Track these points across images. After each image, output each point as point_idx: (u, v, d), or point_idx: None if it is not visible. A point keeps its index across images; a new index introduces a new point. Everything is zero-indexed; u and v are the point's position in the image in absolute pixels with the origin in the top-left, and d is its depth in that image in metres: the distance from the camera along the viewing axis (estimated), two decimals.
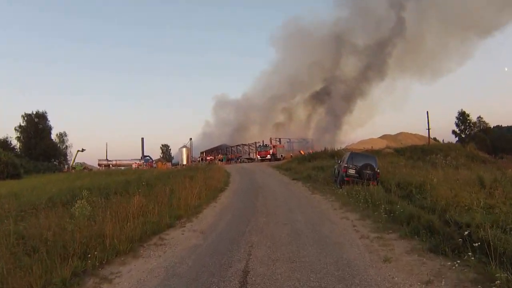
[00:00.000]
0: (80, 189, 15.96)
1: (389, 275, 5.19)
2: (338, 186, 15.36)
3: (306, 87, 70.26)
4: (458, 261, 5.39)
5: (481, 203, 8.81)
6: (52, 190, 15.83)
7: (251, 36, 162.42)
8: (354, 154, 15.99)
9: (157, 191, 13.33)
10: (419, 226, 7.31)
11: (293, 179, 21.16)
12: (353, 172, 15.27)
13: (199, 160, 54.77)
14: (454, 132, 61.14)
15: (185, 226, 9.59)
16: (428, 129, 45.68)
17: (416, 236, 6.98)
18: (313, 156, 31.87)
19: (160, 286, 5.35)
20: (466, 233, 5.89)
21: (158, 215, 10.02)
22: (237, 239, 7.68)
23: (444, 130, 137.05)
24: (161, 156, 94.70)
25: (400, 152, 35.50)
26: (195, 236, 8.43)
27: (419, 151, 34.53)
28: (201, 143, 75.68)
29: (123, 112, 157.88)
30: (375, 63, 59.75)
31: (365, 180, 14.55)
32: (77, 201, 9.83)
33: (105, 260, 6.55)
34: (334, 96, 64.39)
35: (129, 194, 12.78)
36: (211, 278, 5.41)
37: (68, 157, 71.01)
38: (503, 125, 71.08)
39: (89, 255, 6.44)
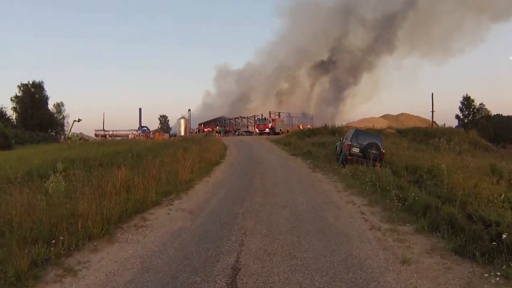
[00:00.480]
0: (65, 160, 15.03)
1: (410, 284, 4.20)
2: (341, 165, 14.36)
3: (311, 57, 68.08)
4: (491, 269, 4.41)
5: (502, 196, 7.79)
6: (35, 161, 14.73)
7: (256, 6, 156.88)
8: (359, 132, 14.83)
9: (146, 164, 12.31)
10: (438, 219, 6.31)
11: (292, 155, 20.16)
12: (357, 151, 14.21)
13: (196, 132, 53.56)
14: (457, 116, 59.74)
15: (172, 204, 8.61)
16: (432, 111, 44.35)
17: (435, 232, 5.98)
18: (313, 132, 30.78)
19: (131, 283, 4.36)
20: (504, 236, 4.86)
21: (143, 190, 9.00)
22: (229, 223, 6.70)
23: (443, 114, 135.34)
24: (159, 127, 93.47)
25: (402, 133, 34.41)
26: (182, 217, 7.45)
27: (422, 134, 33.41)
28: (202, 114, 74.31)
29: (122, 82, 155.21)
30: (384, 35, 57.49)
31: (369, 160, 13.57)
32: (51, 175, 8.69)
33: (74, 245, 5.55)
34: (339, 67, 62.56)
35: (116, 166, 11.79)
36: (193, 276, 4.43)
37: (65, 127, 69.71)
38: (503, 114, 69.88)
39: (54, 241, 5.44)
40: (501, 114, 67.98)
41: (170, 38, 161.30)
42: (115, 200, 7.84)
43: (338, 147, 17.22)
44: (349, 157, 14.10)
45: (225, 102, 78.39)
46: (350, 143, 14.29)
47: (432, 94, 44.77)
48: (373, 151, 13.96)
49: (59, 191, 8.00)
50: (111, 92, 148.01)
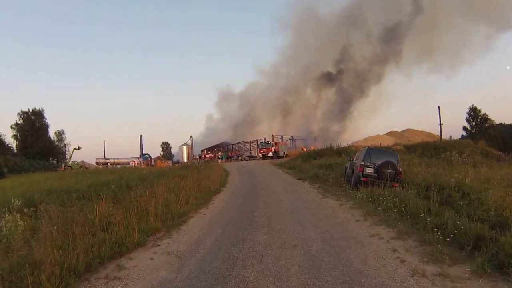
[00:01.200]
0: (48, 191, 13.59)
1: None
2: (354, 188, 12.80)
3: (315, 71, 67.38)
4: None
5: None
6: (10, 193, 13.24)
7: (253, 24, 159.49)
8: (372, 150, 13.33)
9: (134, 195, 10.79)
10: (501, 256, 4.73)
11: (298, 179, 18.59)
12: (371, 171, 12.66)
13: (196, 158, 52.24)
14: (465, 128, 58.19)
15: (159, 245, 7.04)
16: (440, 124, 42.84)
17: (501, 273, 4.39)
18: (319, 153, 29.25)
19: None
20: None
21: (126, 228, 7.45)
22: (225, 275, 5.09)
23: (448, 127, 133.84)
24: (161, 154, 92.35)
25: (410, 149, 32.85)
26: (168, 264, 5.87)
27: (431, 148, 31.83)
28: (205, 140, 73.64)
29: (125, 109, 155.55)
30: (389, 46, 56.94)
31: (386, 181, 12.03)
32: (6, 214, 7.19)
33: None
34: (344, 79, 61.65)
35: (102, 198, 10.29)
36: None
37: (66, 155, 68.78)
38: (506, 123, 68.24)
39: None
40: (504, 123, 66.49)
41: (169, 63, 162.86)
42: (88, 242, 6.35)
43: (348, 168, 15.67)
44: (362, 179, 12.53)
45: (229, 126, 77.75)
46: (363, 163, 12.76)
47: (439, 107, 43.35)
48: (389, 171, 12.40)
49: (16, 233, 6.48)
50: (113, 119, 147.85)
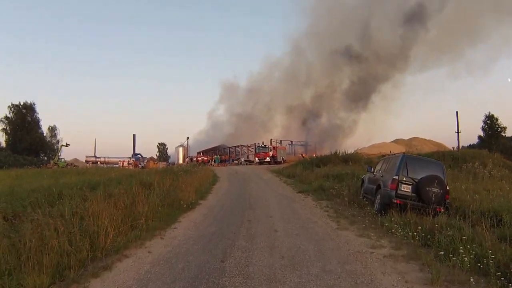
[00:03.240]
0: None
1: None
2: (379, 213, 8.70)
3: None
4: None
5: None
6: None
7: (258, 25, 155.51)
8: (410, 159, 9.07)
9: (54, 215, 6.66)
10: None
11: (300, 192, 14.42)
12: (409, 191, 8.52)
13: (187, 161, 48.17)
14: (480, 137, 53.71)
15: None
16: (458, 132, 38.32)
17: None
18: (322, 161, 25.02)
19: None
20: None
21: None
22: None
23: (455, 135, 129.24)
24: (157, 155, 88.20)
25: None
26: None
27: (449, 158, 27.57)
28: (206, 139, 69.53)
29: (122, 109, 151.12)
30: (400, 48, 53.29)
31: (430, 205, 7.97)
32: None
33: None
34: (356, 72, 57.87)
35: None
36: None
37: (59, 152, 64.75)
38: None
39: None
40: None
41: (168, 61, 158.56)
42: None
43: (366, 182, 11.53)
44: (395, 201, 8.38)
45: (231, 122, 73.65)
46: (396, 177, 8.59)
47: (457, 112, 38.82)
48: (435, 189, 8.28)
49: None
50: (109, 118, 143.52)
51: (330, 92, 61.48)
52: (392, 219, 7.78)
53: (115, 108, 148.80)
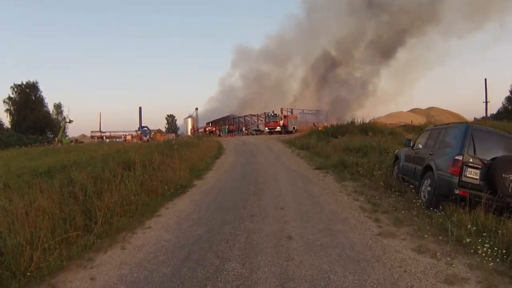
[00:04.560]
0: None
1: None
2: (429, 206, 6.25)
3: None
4: None
5: None
6: None
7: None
8: (476, 131, 6.40)
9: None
10: None
11: (317, 169, 11.98)
12: (477, 177, 5.96)
13: (192, 132, 45.86)
14: (505, 108, 49.58)
15: None
16: (486, 102, 34.53)
17: None
18: (338, 130, 22.32)
19: None
20: None
21: None
22: None
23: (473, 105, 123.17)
24: (166, 127, 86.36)
25: None
26: None
27: None
28: (216, 110, 66.89)
29: (129, 81, 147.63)
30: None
31: (503, 198, 5.49)
32: None
33: None
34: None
35: None
36: None
37: (66, 129, 63.60)
38: None
39: None
40: None
41: (175, 31, 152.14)
42: None
43: (402, 160, 8.96)
44: (458, 192, 5.86)
45: (244, 90, 70.62)
46: (460, 157, 6.00)
47: (486, 80, 34.70)
48: None
49: None
50: (117, 92, 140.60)
51: (351, 43, 56.99)
52: (452, 218, 5.34)
53: (123, 82, 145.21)
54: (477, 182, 5.90)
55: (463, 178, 5.92)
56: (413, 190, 7.36)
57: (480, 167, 5.96)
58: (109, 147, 18.11)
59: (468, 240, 4.56)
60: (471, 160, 5.98)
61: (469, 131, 6.25)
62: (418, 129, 24.39)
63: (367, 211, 6.38)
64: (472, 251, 4.36)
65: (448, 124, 8.02)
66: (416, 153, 8.07)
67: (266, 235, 5.13)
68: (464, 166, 5.94)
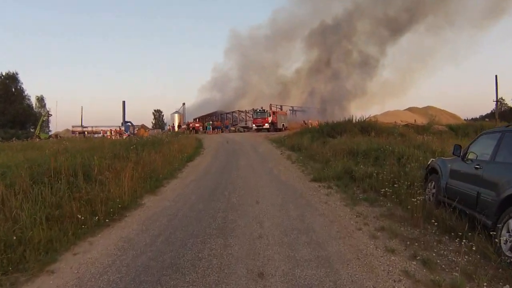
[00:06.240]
0: None
1: None
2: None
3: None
4: None
5: None
6: None
7: None
8: None
9: None
10: None
11: (314, 180, 8.87)
12: None
13: (169, 129, 42.50)
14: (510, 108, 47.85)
15: None
16: (496, 101, 32.14)
17: None
18: (334, 129, 19.25)
19: None
20: None
21: None
22: None
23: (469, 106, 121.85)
24: (153, 122, 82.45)
25: (455, 131, 23.14)
26: None
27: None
28: (203, 106, 63.13)
29: (115, 76, 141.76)
30: None
31: None
32: None
33: None
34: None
35: None
36: None
37: (49, 123, 59.34)
38: None
39: None
40: None
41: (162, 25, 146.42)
42: None
43: (446, 176, 5.90)
44: None
45: (234, 83, 66.89)
46: None
47: (496, 76, 32.55)
48: None
49: None
50: (102, 86, 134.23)
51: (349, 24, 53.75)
52: None
53: (109, 76, 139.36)
54: None
55: None
56: (479, 228, 4.29)
57: None
58: (72, 144, 14.60)
59: None
60: None
61: None
62: (421, 129, 21.61)
63: (423, 284, 3.30)
64: None
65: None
66: (476, 167, 5.02)
67: None
68: None
